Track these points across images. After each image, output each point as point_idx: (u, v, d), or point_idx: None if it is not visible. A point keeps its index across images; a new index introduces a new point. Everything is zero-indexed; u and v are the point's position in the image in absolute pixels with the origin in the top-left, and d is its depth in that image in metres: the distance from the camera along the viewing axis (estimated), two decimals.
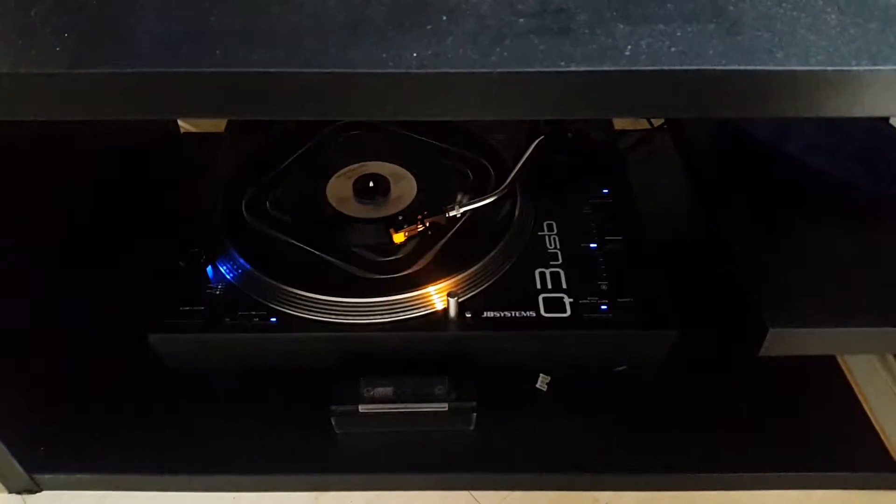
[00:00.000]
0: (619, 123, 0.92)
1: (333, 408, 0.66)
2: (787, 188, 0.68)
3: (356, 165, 0.77)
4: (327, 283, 0.66)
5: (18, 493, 0.69)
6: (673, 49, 0.38)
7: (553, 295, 0.67)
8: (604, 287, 0.67)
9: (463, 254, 0.68)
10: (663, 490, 0.68)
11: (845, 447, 0.69)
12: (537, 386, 0.72)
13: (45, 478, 0.68)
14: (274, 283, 0.66)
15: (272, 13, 0.40)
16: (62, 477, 0.68)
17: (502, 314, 0.65)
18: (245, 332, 0.64)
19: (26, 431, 0.68)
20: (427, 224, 0.70)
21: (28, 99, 0.39)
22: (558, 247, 0.71)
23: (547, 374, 0.72)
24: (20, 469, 0.66)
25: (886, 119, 0.66)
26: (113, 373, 0.74)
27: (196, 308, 0.66)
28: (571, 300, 0.66)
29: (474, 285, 0.67)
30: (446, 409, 0.65)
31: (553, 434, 0.69)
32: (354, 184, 0.74)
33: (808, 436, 0.69)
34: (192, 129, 1.04)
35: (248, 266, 0.68)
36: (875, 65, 0.37)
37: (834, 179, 0.67)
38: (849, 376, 0.75)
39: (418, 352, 0.66)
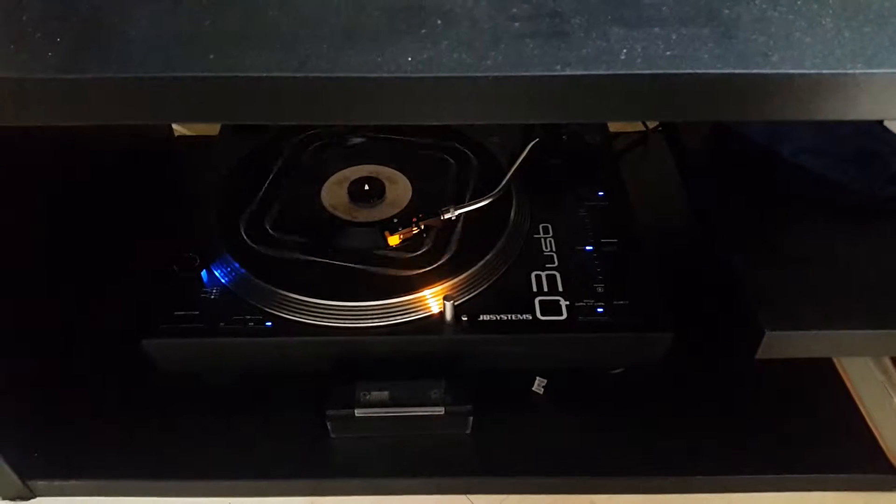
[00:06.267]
0: (614, 125, 0.92)
1: (329, 412, 0.66)
2: (782, 190, 0.68)
3: (351, 169, 0.77)
4: (322, 286, 0.66)
5: (12, 499, 0.68)
6: (668, 52, 0.38)
7: (549, 298, 0.67)
8: (600, 290, 0.67)
9: (458, 257, 0.68)
10: (660, 493, 0.68)
11: (841, 449, 0.69)
12: (534, 389, 0.72)
13: (39, 484, 0.68)
14: (269, 287, 0.66)
15: (267, 17, 0.40)
16: (56, 483, 0.68)
17: (498, 317, 0.65)
18: (240, 337, 0.64)
19: (20, 437, 0.67)
20: (422, 227, 0.70)
21: (20, 104, 0.39)
22: (554, 249, 0.71)
23: (543, 378, 0.72)
24: (13, 475, 0.66)
25: (880, 121, 0.66)
26: (107, 378, 0.74)
27: (191, 313, 0.65)
28: (567, 303, 0.66)
29: (470, 288, 0.67)
30: (443, 412, 0.65)
31: (550, 437, 0.69)
32: (349, 187, 0.74)
33: (805, 438, 0.69)
34: (186, 132, 1.03)
35: (243, 270, 0.67)
36: (870, 68, 0.37)
37: (829, 181, 0.67)
38: (845, 378, 0.75)
39: (414, 355, 0.66)
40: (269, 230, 0.71)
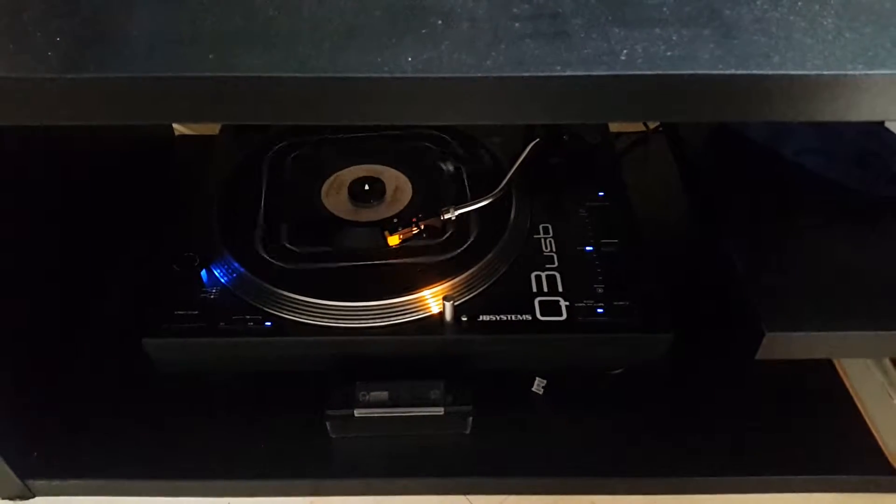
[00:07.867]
0: (615, 126, 0.92)
1: (329, 412, 0.65)
2: (783, 191, 0.68)
3: (351, 169, 0.77)
4: (322, 286, 0.66)
5: (11, 499, 0.68)
6: (669, 53, 0.38)
7: (549, 298, 0.66)
8: (600, 290, 0.67)
9: (459, 257, 0.68)
10: (660, 494, 0.68)
11: (842, 451, 0.69)
12: (533, 389, 0.72)
13: (39, 483, 0.68)
14: (268, 286, 0.66)
15: (267, 17, 0.40)
16: (56, 483, 0.67)
17: (498, 318, 0.65)
18: (240, 337, 0.64)
19: (20, 437, 0.67)
20: (422, 227, 0.70)
21: (20, 104, 0.39)
22: (554, 250, 0.71)
23: (543, 378, 0.72)
24: (13, 475, 0.66)
25: (881, 122, 0.66)
26: (107, 377, 0.73)
27: (191, 312, 0.65)
28: (567, 303, 0.66)
29: (470, 289, 0.67)
30: (442, 413, 0.65)
31: (550, 438, 0.69)
32: (350, 187, 0.74)
33: (805, 439, 0.69)
34: (187, 132, 1.03)
35: (243, 270, 0.67)
36: (871, 69, 0.37)
37: (830, 182, 0.67)
38: (845, 380, 0.75)
39: (414, 356, 0.66)
40: (270, 230, 0.71)
